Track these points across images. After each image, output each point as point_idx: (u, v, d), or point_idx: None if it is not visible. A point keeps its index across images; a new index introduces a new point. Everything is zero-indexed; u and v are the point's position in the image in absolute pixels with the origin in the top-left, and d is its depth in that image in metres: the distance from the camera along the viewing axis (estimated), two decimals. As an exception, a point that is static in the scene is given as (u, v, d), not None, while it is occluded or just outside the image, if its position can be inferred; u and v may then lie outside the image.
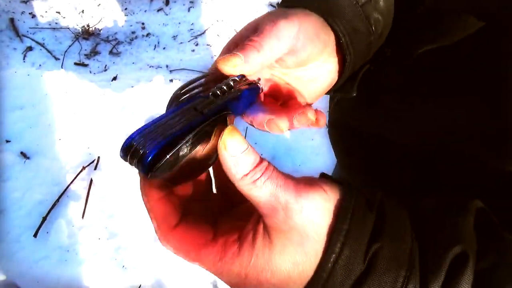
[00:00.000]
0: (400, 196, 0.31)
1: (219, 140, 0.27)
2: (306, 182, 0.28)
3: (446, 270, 0.26)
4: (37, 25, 2.43)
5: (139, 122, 1.74)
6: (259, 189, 0.26)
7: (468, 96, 0.39)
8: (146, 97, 1.84)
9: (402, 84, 0.46)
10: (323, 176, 0.31)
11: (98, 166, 1.62)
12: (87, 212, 1.48)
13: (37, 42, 2.37)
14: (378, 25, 0.42)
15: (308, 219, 0.26)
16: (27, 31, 2.41)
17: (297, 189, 0.27)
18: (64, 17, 2.47)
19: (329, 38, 0.38)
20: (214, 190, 0.36)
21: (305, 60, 0.38)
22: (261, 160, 0.27)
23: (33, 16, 2.47)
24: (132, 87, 1.91)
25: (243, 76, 0.33)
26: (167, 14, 2.47)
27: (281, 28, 0.34)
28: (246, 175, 0.26)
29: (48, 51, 2.35)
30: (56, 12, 2.45)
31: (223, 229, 0.30)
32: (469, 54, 0.39)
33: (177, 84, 1.92)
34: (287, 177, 0.28)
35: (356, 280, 0.26)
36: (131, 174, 1.59)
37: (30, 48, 2.35)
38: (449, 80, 0.41)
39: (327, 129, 0.62)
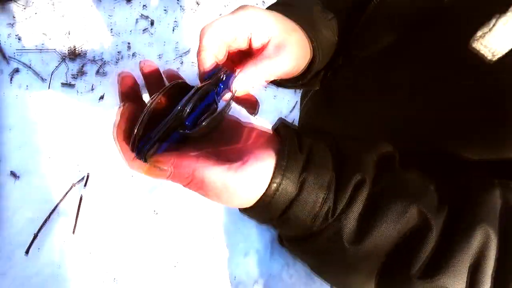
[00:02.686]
0: None
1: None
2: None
3: (350, 192, 0.35)
4: (23, 47, 2.47)
5: (127, 139, 1.78)
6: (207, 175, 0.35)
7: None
8: (134, 114, 1.89)
9: (355, 83, 0.55)
10: (276, 129, 0.40)
11: (87, 182, 1.65)
12: (78, 228, 1.51)
13: (24, 64, 2.41)
14: (337, 34, 0.54)
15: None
16: (14, 54, 2.44)
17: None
18: (50, 39, 2.51)
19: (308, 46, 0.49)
20: None
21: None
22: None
23: (20, 38, 2.51)
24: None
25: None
26: (152, 34, 2.53)
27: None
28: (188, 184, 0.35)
29: (35, 73, 2.38)
30: (43, 34, 2.50)
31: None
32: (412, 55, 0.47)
33: (163, 102, 1.98)
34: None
35: (291, 200, 0.35)
36: (121, 189, 1.63)
37: (16, 70, 2.38)
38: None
39: None
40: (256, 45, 0.44)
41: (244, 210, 0.38)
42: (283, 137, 0.37)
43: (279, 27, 0.44)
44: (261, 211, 0.36)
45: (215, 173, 0.34)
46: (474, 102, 0.38)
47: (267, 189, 0.35)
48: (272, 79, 0.44)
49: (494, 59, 0.34)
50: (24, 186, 1.61)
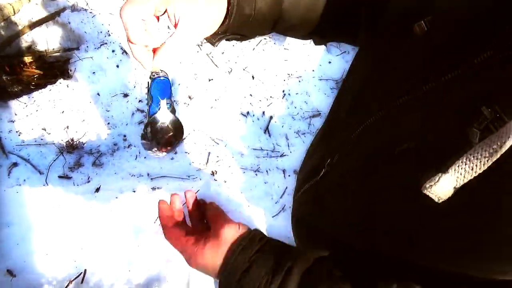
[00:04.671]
0: None
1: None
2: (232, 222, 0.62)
3: (283, 275, 0.53)
4: (23, 142, 2.57)
5: (124, 232, 1.83)
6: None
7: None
8: (131, 207, 1.96)
9: (343, 181, 0.61)
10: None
11: (84, 279, 1.67)
12: (74, 328, 1.50)
13: (22, 158, 2.50)
14: (259, 13, 0.62)
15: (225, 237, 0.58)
16: (13, 148, 2.54)
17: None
18: (49, 133, 2.63)
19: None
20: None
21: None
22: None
23: (20, 134, 2.62)
24: (116, 198, 2.03)
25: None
26: (147, 126, 2.67)
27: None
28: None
29: (33, 166, 2.47)
30: (42, 128, 2.62)
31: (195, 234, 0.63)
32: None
33: (159, 193, 2.06)
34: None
35: (243, 271, 0.54)
36: (118, 284, 1.65)
37: (15, 164, 2.46)
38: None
39: (291, 225, 0.78)
40: (174, 19, 0.53)
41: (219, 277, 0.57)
42: (248, 229, 0.61)
43: None
44: (225, 276, 0.55)
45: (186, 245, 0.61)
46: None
47: (229, 257, 0.56)
48: (191, 41, 0.54)
49: (440, 201, 0.43)
50: (20, 283, 1.62)
